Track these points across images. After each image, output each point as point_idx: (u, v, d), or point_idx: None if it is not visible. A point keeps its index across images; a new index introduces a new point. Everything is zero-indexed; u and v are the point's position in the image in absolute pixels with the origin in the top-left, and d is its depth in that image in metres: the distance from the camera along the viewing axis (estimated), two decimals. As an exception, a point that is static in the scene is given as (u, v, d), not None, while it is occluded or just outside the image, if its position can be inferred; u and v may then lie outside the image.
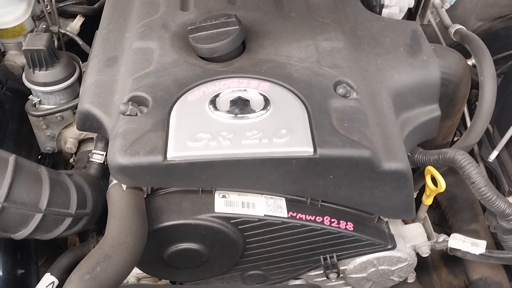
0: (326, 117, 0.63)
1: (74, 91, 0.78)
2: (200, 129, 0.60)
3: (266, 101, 0.63)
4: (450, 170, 0.86)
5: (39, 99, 0.77)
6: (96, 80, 0.68)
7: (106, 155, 0.72)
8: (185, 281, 0.76)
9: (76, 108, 0.72)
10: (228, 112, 0.62)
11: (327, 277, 0.74)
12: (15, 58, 0.86)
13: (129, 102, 0.63)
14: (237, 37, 0.69)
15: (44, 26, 0.80)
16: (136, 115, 0.62)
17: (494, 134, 0.90)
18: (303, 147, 0.59)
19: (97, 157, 0.72)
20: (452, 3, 1.05)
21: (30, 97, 0.77)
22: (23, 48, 0.72)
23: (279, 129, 0.60)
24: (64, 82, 0.76)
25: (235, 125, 0.61)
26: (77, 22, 0.96)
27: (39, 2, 0.89)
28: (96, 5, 0.97)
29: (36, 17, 0.91)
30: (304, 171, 0.61)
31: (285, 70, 0.68)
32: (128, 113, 0.62)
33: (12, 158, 0.59)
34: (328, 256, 0.71)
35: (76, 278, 0.53)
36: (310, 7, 0.79)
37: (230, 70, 0.68)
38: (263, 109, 0.62)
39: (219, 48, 0.68)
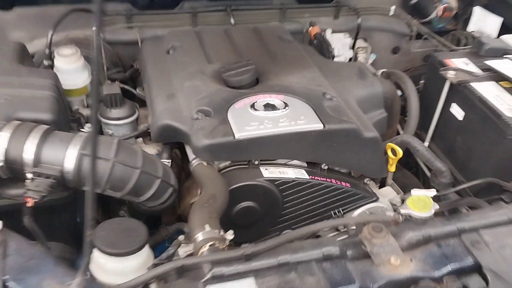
0: (323, 110, 0.99)
1: (135, 125, 1.08)
2: (250, 120, 0.93)
3: (285, 104, 0.98)
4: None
5: (112, 131, 1.05)
6: (165, 107, 0.99)
7: (171, 162, 1.01)
8: (239, 241, 1.02)
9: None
10: (264, 110, 0.96)
11: (337, 229, 1.05)
12: (82, 111, 1.13)
13: (198, 113, 0.95)
14: (255, 73, 1.05)
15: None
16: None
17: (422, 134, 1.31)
18: (317, 124, 0.94)
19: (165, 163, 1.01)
20: (373, 60, 1.52)
21: (105, 130, 1.05)
22: (104, 93, 1.02)
23: (299, 116, 0.95)
24: (131, 117, 1.05)
25: (271, 117, 0.95)
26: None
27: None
28: (127, 73, 1.29)
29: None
30: (318, 141, 0.95)
31: (290, 88, 1.04)
32: (199, 118, 0.94)
33: (116, 139, 0.87)
34: (336, 211, 1.03)
35: (198, 206, 0.80)
36: (291, 55, 1.19)
37: (254, 91, 1.03)
38: (284, 108, 0.97)
39: (246, 80, 1.04)
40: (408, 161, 1.31)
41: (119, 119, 1.04)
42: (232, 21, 1.36)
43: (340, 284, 0.69)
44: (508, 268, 0.73)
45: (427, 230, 0.80)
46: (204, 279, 0.68)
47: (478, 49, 1.24)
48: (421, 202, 0.82)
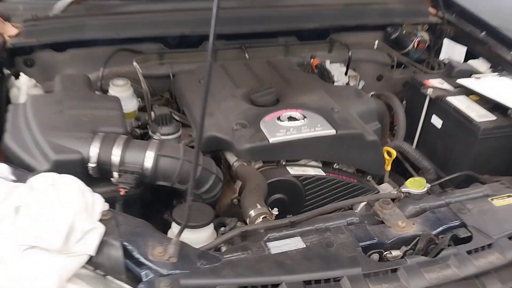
0: (333, 120, 1.24)
1: (179, 140, 1.31)
2: (279, 129, 1.18)
3: (304, 116, 1.24)
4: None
5: (162, 146, 1.28)
6: (208, 122, 1.23)
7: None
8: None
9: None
10: (288, 121, 1.21)
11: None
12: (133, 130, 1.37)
13: (237, 125, 1.19)
14: (276, 94, 1.31)
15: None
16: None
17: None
18: (331, 130, 1.20)
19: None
20: (362, 86, 1.80)
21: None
22: (157, 114, 1.26)
23: (316, 125, 1.21)
24: (177, 133, 1.29)
25: (294, 126, 1.20)
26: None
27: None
28: (163, 101, 1.54)
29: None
30: (332, 143, 1.20)
31: (305, 105, 1.30)
32: (238, 129, 1.18)
33: (182, 144, 1.10)
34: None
35: (247, 192, 1.04)
36: (301, 81, 1.46)
37: (278, 108, 1.28)
38: (303, 119, 1.23)
39: (270, 99, 1.30)
40: (398, 170, 1.58)
41: (168, 134, 1.28)
42: (247, 56, 1.63)
43: (364, 239, 0.93)
44: (486, 226, 0.97)
45: (423, 203, 1.05)
46: (263, 240, 0.91)
47: (450, 71, 1.54)
48: (417, 182, 1.07)
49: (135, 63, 1.43)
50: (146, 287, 0.79)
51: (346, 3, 1.75)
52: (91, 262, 0.80)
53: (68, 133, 1.04)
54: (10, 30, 1.39)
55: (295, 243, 0.90)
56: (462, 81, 1.44)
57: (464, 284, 0.87)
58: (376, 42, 1.81)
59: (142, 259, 0.82)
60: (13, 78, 1.34)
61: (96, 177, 1.03)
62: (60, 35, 1.43)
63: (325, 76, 1.58)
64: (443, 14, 1.81)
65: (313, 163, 1.25)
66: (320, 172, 1.23)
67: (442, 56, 1.83)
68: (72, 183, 0.87)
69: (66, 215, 0.79)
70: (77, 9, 1.49)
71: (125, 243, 0.83)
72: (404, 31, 1.81)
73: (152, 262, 0.81)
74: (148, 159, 1.03)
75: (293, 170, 1.20)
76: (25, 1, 1.48)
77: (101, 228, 0.81)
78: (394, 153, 1.32)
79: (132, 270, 0.81)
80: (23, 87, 1.28)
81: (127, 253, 0.82)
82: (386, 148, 1.34)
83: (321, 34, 1.76)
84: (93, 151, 1.01)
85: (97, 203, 0.87)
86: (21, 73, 1.33)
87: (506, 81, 1.45)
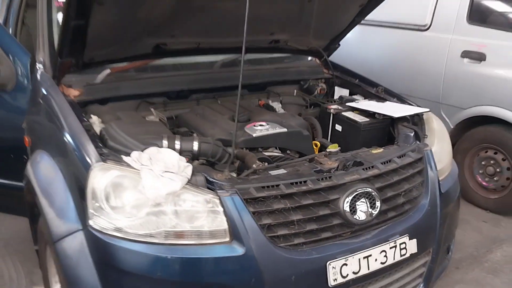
0: (283, 125, 2.19)
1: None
2: (256, 130, 2.10)
3: (267, 124, 2.17)
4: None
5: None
6: (214, 132, 2.11)
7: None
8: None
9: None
10: (260, 127, 2.14)
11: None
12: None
13: (231, 132, 2.09)
14: (248, 116, 2.25)
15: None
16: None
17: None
18: (283, 129, 2.14)
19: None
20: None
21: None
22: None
23: (275, 127, 2.14)
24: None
25: (264, 128, 2.12)
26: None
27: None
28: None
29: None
30: (284, 137, 2.14)
31: (266, 120, 2.23)
32: (232, 132, 2.08)
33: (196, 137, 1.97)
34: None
35: (248, 157, 1.92)
36: (259, 110, 2.41)
37: (251, 122, 2.20)
38: (267, 125, 2.16)
39: (246, 118, 2.22)
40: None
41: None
42: (219, 102, 2.56)
43: (315, 168, 1.85)
44: (367, 158, 1.95)
45: (337, 155, 2.00)
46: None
47: (341, 100, 2.59)
48: (333, 146, 2.03)
49: (152, 109, 2.31)
50: (215, 187, 1.62)
51: (275, 68, 2.79)
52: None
53: (145, 136, 1.87)
54: (74, 92, 2.19)
55: (281, 171, 1.79)
56: (349, 104, 2.49)
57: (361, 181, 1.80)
58: (295, 91, 2.84)
59: (211, 179, 1.66)
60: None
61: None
62: (103, 94, 2.26)
63: (270, 109, 2.55)
64: (332, 72, 2.90)
65: (275, 150, 2.17)
66: (280, 154, 2.14)
67: (335, 97, 2.90)
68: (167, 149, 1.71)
69: (175, 158, 1.63)
70: (111, 78, 2.33)
71: (203, 173, 1.67)
72: (311, 83, 2.86)
73: (217, 180, 1.66)
74: (195, 145, 1.89)
75: (266, 153, 2.11)
76: (77, 76, 2.28)
77: (191, 166, 1.65)
78: (318, 144, 2.29)
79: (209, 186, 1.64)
80: (96, 122, 2.08)
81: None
82: (314, 141, 2.30)
83: (262, 87, 2.75)
84: (164, 143, 1.85)
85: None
86: (91, 115, 2.13)
87: (372, 102, 2.52)
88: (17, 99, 2.33)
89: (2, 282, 2.78)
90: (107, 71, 2.28)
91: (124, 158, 1.66)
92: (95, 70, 2.27)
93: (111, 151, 1.70)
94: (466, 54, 3.81)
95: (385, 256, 1.78)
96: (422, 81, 4.04)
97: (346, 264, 1.69)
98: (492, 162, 3.66)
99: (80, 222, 1.64)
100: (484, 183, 3.68)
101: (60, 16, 2.49)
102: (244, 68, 2.69)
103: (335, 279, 1.68)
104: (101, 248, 1.58)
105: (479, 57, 3.72)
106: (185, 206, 1.57)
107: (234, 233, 1.56)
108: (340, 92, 2.86)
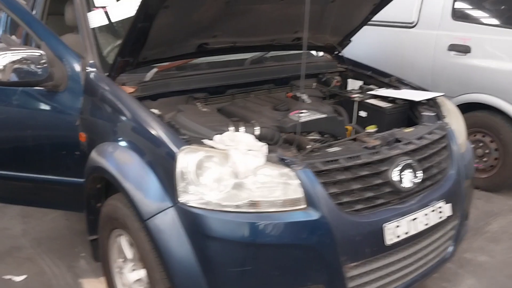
0: (320, 112, 2.46)
1: (243, 135, 2.39)
2: (305, 117, 2.35)
3: (307, 111, 2.43)
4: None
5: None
6: (261, 121, 2.35)
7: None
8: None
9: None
10: (302, 114, 2.39)
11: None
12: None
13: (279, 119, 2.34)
14: (288, 106, 2.50)
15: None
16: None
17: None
18: (322, 115, 2.40)
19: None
20: (312, 108, 3.05)
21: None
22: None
23: (315, 113, 2.40)
24: (242, 130, 2.38)
25: (306, 115, 2.38)
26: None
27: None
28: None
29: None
30: (324, 122, 2.40)
31: (304, 108, 2.49)
32: (279, 119, 2.33)
33: (256, 124, 2.20)
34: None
35: (301, 139, 2.18)
36: (290, 101, 2.66)
37: (291, 111, 2.45)
38: (308, 112, 2.41)
39: (286, 107, 2.47)
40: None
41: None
42: (252, 95, 2.79)
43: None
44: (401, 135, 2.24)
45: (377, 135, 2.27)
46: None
47: (361, 90, 2.87)
48: (372, 127, 2.30)
49: (198, 103, 2.53)
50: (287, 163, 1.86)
51: (298, 63, 3.04)
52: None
53: (212, 123, 2.10)
54: (129, 89, 2.38)
55: (336, 149, 2.05)
56: (370, 92, 2.78)
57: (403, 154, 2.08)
58: (314, 84, 3.11)
59: (283, 157, 1.89)
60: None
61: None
62: (155, 90, 2.46)
63: (299, 101, 2.81)
64: (346, 66, 3.19)
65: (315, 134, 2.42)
66: (320, 137, 2.40)
67: (348, 88, 3.18)
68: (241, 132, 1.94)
69: (251, 139, 1.86)
70: (158, 76, 2.53)
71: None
72: (328, 77, 3.14)
73: (287, 157, 1.90)
74: (257, 130, 2.12)
75: (309, 137, 2.36)
76: (127, 75, 2.47)
77: (266, 145, 1.89)
78: (350, 128, 2.56)
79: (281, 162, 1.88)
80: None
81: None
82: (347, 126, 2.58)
83: (285, 82, 3.00)
84: (231, 129, 2.08)
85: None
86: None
87: (390, 90, 2.82)
88: (68, 99, 2.49)
89: (47, 278, 2.92)
90: (155, 69, 2.47)
91: (205, 141, 1.88)
92: (143, 69, 2.46)
93: (193, 137, 1.92)
94: (452, 47, 4.18)
95: (428, 218, 2.07)
96: (412, 74, 4.39)
97: (398, 226, 1.97)
98: (480, 144, 4.05)
99: (169, 200, 1.84)
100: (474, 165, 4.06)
101: (96, 20, 2.68)
102: (270, 65, 2.96)
103: (391, 239, 1.94)
104: (193, 221, 1.79)
105: (465, 50, 4.10)
106: (266, 179, 1.80)
107: (309, 201, 1.81)
108: (353, 83, 3.14)
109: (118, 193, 2.24)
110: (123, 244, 2.22)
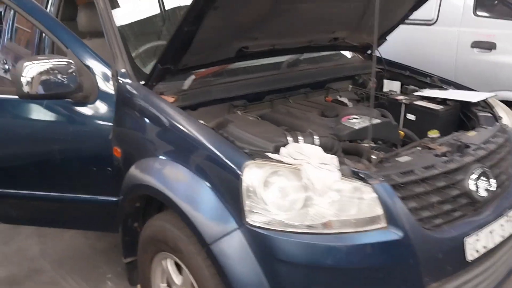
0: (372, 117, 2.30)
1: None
2: (354, 123, 2.19)
3: (360, 117, 2.26)
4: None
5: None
6: (313, 128, 2.18)
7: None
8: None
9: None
10: (354, 120, 2.22)
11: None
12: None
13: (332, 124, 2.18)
14: (337, 111, 2.33)
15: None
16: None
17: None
18: (378, 120, 2.24)
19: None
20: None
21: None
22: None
23: (369, 119, 2.24)
24: (292, 139, 2.21)
25: (359, 121, 2.21)
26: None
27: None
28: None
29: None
30: (378, 127, 2.24)
31: (352, 113, 2.32)
32: (333, 127, 2.16)
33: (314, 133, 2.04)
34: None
35: (360, 147, 2.01)
36: (333, 105, 2.50)
37: (341, 116, 2.29)
38: (360, 118, 2.25)
39: (335, 113, 2.31)
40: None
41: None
42: (291, 101, 2.62)
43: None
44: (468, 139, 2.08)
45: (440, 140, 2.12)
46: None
47: (405, 91, 2.72)
48: (435, 132, 2.15)
49: (238, 112, 2.35)
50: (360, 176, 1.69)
51: (334, 65, 2.89)
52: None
53: (268, 134, 1.92)
54: (169, 99, 2.19)
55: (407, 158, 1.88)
56: (417, 94, 2.63)
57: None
58: (350, 86, 2.95)
59: (355, 169, 1.72)
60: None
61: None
62: (196, 99, 2.27)
63: (341, 104, 2.65)
64: (384, 66, 3.03)
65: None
66: (375, 145, 2.24)
67: (384, 90, 3.03)
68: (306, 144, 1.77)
69: (319, 151, 1.69)
70: (196, 84, 2.34)
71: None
72: (363, 78, 2.98)
73: (360, 169, 1.73)
74: (316, 140, 1.95)
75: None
76: (164, 83, 2.28)
77: (336, 157, 1.72)
78: (402, 133, 2.41)
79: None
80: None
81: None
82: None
83: (322, 85, 2.84)
84: (289, 139, 1.90)
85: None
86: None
87: (437, 91, 2.67)
88: (99, 111, 2.30)
89: (73, 301, 2.72)
90: (192, 77, 2.29)
91: (270, 155, 1.70)
92: (179, 76, 2.28)
93: (253, 150, 1.74)
94: (476, 44, 4.06)
95: (503, 229, 1.92)
96: (434, 72, 4.26)
97: (478, 240, 1.81)
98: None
99: (235, 221, 1.66)
100: None
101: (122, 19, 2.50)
102: (307, 67, 2.79)
103: (471, 254, 1.79)
104: (264, 243, 1.61)
105: (489, 46, 3.98)
106: (341, 195, 1.63)
107: (390, 219, 1.64)
108: (389, 85, 2.99)
109: (162, 213, 2.06)
110: (170, 269, 2.03)
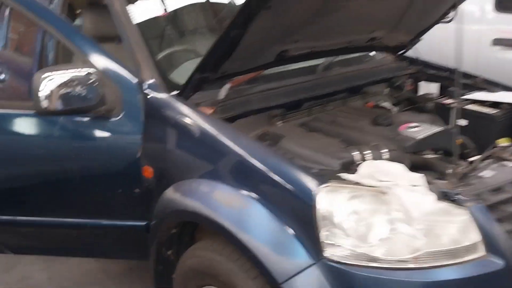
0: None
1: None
2: (414, 133, 1.97)
3: (419, 125, 2.04)
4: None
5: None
6: (371, 140, 1.95)
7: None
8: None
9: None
10: (413, 128, 2.00)
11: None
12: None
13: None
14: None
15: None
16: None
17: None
18: (439, 128, 2.02)
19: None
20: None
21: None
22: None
23: (429, 128, 2.02)
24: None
25: (420, 130, 1.99)
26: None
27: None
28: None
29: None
30: (437, 136, 2.02)
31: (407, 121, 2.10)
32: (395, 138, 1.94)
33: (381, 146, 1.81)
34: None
35: (433, 161, 1.78)
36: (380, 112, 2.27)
37: (397, 125, 2.06)
38: (419, 126, 2.03)
39: (390, 121, 2.08)
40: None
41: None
42: (331, 107, 2.39)
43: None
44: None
45: None
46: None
47: (450, 94, 2.52)
48: (506, 140, 1.94)
49: (278, 122, 2.11)
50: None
51: (370, 67, 2.66)
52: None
53: (331, 149, 1.69)
54: (207, 111, 1.94)
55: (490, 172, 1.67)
56: (468, 96, 2.42)
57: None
58: (387, 89, 2.74)
59: (446, 190, 1.49)
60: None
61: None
62: (236, 110, 2.02)
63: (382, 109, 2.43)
64: (420, 67, 2.82)
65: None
66: (436, 155, 2.02)
67: (420, 92, 2.82)
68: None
69: (403, 169, 1.46)
70: (232, 92, 2.09)
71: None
72: (400, 81, 2.77)
73: (448, 189, 1.50)
74: (384, 154, 1.72)
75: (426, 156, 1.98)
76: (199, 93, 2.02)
77: (424, 176, 1.49)
78: (460, 141, 2.20)
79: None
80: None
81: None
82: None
83: (358, 89, 2.61)
84: (356, 154, 1.67)
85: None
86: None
87: (487, 93, 2.46)
88: (125, 126, 2.03)
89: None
90: (228, 85, 2.04)
91: (345, 175, 1.47)
92: (214, 85, 2.03)
93: (323, 171, 1.51)
94: (497, 41, 3.89)
95: None
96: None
97: None
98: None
99: (309, 256, 1.42)
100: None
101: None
102: (343, 71, 2.57)
103: None
104: (346, 281, 1.38)
105: (512, 43, 3.80)
106: (433, 221, 1.41)
107: (489, 245, 1.42)
108: (427, 87, 2.79)
109: (206, 242, 1.82)
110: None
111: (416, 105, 2.59)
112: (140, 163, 1.99)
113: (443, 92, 2.71)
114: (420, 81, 2.81)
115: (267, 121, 2.13)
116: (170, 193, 1.83)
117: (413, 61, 2.87)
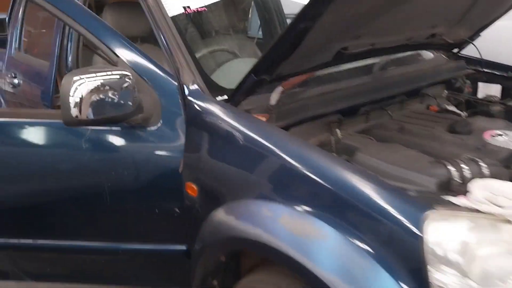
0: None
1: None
2: (506, 141, 1.69)
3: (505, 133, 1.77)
4: None
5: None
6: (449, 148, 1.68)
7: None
8: None
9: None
10: (500, 136, 1.73)
11: None
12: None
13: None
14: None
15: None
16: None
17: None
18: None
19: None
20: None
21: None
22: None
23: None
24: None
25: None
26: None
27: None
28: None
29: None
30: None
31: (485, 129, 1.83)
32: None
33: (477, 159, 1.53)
34: None
35: None
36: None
37: (480, 132, 1.78)
38: (506, 135, 1.75)
39: (469, 129, 1.80)
40: None
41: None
42: (389, 112, 2.11)
43: None
44: None
45: None
46: None
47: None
48: None
49: (337, 130, 1.84)
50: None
51: (428, 68, 2.39)
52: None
53: (417, 163, 1.41)
54: (262, 118, 1.68)
55: None
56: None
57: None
58: (446, 92, 2.46)
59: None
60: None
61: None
62: (293, 117, 1.75)
63: (450, 113, 2.15)
64: (480, 67, 2.54)
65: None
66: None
67: (479, 95, 2.54)
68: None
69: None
70: (284, 97, 1.81)
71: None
72: (460, 81, 2.49)
73: None
74: (484, 169, 1.44)
75: None
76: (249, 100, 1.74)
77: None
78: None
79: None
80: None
81: None
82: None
83: (415, 91, 2.34)
84: (451, 170, 1.40)
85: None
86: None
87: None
88: (164, 136, 1.77)
89: None
90: (280, 89, 1.77)
91: (455, 200, 1.19)
92: (264, 88, 1.76)
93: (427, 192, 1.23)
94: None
95: None
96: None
97: None
98: None
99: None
100: None
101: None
102: (400, 72, 2.30)
103: None
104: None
105: None
106: None
107: None
108: (486, 88, 2.52)
109: (263, 273, 1.56)
110: None
111: (478, 109, 2.32)
112: (182, 179, 1.72)
113: (506, 94, 2.45)
114: (479, 81, 2.53)
115: (324, 129, 1.86)
116: (221, 216, 1.56)
117: (469, 60, 2.60)
